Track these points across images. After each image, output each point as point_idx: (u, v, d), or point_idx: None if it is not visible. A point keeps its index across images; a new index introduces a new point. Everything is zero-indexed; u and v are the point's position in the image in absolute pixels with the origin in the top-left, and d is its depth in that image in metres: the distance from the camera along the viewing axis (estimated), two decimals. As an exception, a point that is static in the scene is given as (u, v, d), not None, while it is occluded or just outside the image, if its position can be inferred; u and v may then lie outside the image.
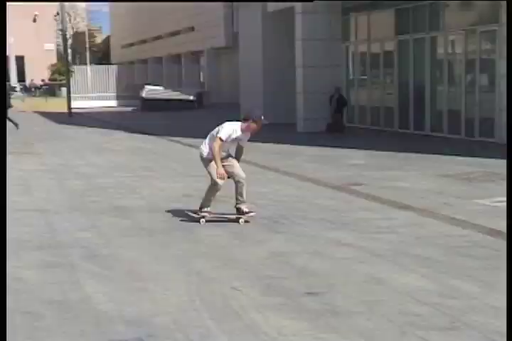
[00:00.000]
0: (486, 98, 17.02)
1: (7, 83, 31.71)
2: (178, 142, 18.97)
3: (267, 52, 24.09)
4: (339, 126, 20.48)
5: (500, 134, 16.34)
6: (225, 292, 5.61)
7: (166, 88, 39.19)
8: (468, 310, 5.05)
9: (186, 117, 29.93)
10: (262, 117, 7.99)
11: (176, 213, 8.91)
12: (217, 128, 8.03)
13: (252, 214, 8.17)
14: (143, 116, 32.39)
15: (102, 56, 78.69)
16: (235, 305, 5.28)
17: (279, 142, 17.76)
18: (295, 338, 4.63)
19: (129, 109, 38.30)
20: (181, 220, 8.47)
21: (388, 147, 16.14)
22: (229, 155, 8.22)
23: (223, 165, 7.99)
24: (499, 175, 11.31)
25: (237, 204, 8.19)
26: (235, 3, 32.79)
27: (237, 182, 8.14)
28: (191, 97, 37.37)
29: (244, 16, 26.71)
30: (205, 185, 11.21)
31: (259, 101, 24.56)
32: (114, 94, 44.19)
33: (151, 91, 37.35)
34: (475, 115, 17.31)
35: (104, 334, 4.76)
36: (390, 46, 20.78)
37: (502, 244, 7.02)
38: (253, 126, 7.90)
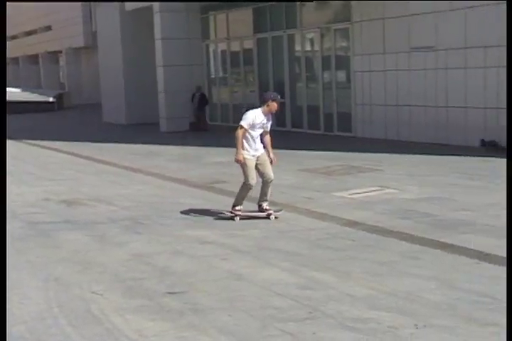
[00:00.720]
0: (342, 94, 17.57)
1: None
2: (36, 145, 18.38)
3: (127, 52, 23.76)
4: (202, 124, 20.56)
5: (356, 128, 16.93)
6: (85, 297, 5.48)
7: (23, 90, 37.89)
8: (326, 300, 5.18)
9: (45, 119, 29.04)
10: (279, 96, 8.31)
11: (34, 218, 8.63)
12: None
13: (271, 211, 8.22)
14: None
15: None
16: (95, 310, 5.17)
17: (141, 142, 17.59)
18: (156, 339, 4.59)
19: (-15, 112, 36.70)
20: (39, 225, 8.22)
21: (251, 144, 16.31)
22: (264, 154, 8.27)
23: (257, 163, 8.16)
24: (357, 168, 11.74)
25: (259, 201, 8.29)
26: (92, 2, 32.13)
27: (264, 182, 8.25)
28: (51, 99, 36.29)
29: (102, 15, 26.23)
30: (66, 188, 11.01)
31: (121, 101, 24.24)
32: (-32, 97, 42.20)
33: (8, 93, 35.95)
34: (333, 111, 17.84)
35: (-45, 349, 4.53)
36: (249, 44, 21.04)
37: (358, 234, 7.29)
38: (273, 105, 8.10)
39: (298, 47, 19.29)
